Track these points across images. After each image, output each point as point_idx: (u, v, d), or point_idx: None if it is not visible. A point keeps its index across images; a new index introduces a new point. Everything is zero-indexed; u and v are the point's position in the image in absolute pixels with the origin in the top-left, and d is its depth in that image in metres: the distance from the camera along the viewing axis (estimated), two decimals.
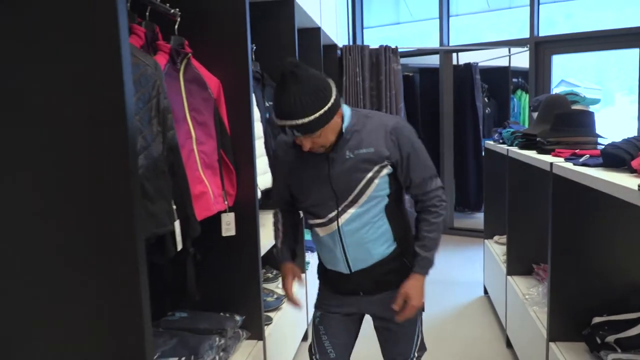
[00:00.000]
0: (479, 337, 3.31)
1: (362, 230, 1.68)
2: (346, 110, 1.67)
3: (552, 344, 2.08)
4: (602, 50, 5.19)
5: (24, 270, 1.16)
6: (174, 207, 1.69)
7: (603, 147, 1.76)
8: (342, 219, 1.67)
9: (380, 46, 5.20)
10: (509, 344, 3.06)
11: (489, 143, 3.78)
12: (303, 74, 1.50)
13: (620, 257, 2.04)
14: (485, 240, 3.91)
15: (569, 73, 5.50)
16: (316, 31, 3.94)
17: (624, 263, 2.04)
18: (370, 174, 1.63)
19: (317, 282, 1.98)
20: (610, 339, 1.88)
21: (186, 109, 1.92)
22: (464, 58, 6.24)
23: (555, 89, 3.61)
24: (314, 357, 1.90)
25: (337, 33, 5.04)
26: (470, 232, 5.85)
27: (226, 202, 2.12)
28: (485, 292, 3.96)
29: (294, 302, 1.86)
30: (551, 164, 2.02)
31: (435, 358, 3.03)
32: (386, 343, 1.89)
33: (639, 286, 2.01)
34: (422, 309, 1.83)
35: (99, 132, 1.09)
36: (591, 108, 2.99)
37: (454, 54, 6.02)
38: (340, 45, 5.12)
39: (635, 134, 1.94)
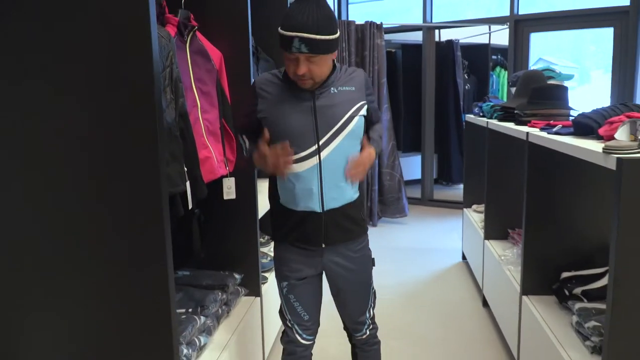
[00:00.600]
0: (457, 298, 3.54)
1: (341, 168, 1.77)
2: None
3: (525, 298, 2.30)
4: (579, 28, 5.40)
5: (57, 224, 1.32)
6: (185, 169, 1.84)
7: (574, 117, 1.94)
8: (325, 152, 1.74)
9: (366, 22, 5.31)
10: (485, 304, 3.30)
11: (470, 117, 3.96)
12: (324, 1, 1.63)
13: (587, 219, 2.24)
14: (465, 209, 4.13)
15: (547, 51, 5.67)
16: None
17: (591, 224, 2.24)
18: (352, 111, 1.76)
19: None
20: (578, 290, 2.10)
21: (192, 79, 2.04)
22: (445, 35, 6.38)
23: (533, 67, 3.78)
24: (288, 322, 1.93)
25: None
26: (449, 203, 6.08)
27: (227, 168, 2.26)
28: (464, 258, 4.20)
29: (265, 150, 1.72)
30: (527, 133, 2.21)
31: (415, 319, 3.25)
32: (347, 303, 1.94)
33: (603, 245, 2.22)
34: (373, 263, 1.97)
35: (130, 102, 1.25)
36: (565, 83, 3.18)
37: (436, 31, 6.16)
38: None
39: None
